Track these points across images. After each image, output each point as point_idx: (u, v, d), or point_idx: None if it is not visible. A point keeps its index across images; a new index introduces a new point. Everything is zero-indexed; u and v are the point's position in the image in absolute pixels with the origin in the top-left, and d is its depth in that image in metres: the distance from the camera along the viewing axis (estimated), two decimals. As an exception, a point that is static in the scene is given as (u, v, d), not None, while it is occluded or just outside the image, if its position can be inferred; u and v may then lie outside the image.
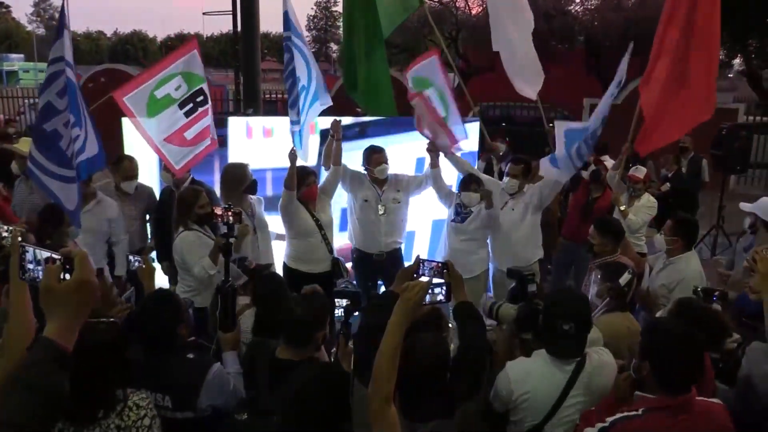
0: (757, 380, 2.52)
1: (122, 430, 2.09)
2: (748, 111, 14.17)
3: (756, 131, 13.01)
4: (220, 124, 4.99)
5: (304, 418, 2.09)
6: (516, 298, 2.96)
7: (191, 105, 4.55)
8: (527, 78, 5.42)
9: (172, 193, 4.67)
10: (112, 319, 2.39)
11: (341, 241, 5.16)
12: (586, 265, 4.30)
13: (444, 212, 5.04)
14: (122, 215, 4.73)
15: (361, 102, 5.55)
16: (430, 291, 2.32)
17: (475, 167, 5.42)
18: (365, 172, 4.89)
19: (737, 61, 20.32)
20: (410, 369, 2.07)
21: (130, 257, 3.61)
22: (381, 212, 4.84)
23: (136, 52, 58.50)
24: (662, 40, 4.49)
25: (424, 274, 2.71)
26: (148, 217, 5.13)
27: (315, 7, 59.41)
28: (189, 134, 4.60)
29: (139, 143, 4.69)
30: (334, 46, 57.81)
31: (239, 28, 8.64)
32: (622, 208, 5.12)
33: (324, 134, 4.91)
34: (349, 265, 4.99)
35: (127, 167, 4.80)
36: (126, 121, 4.83)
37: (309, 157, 4.71)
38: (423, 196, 5.11)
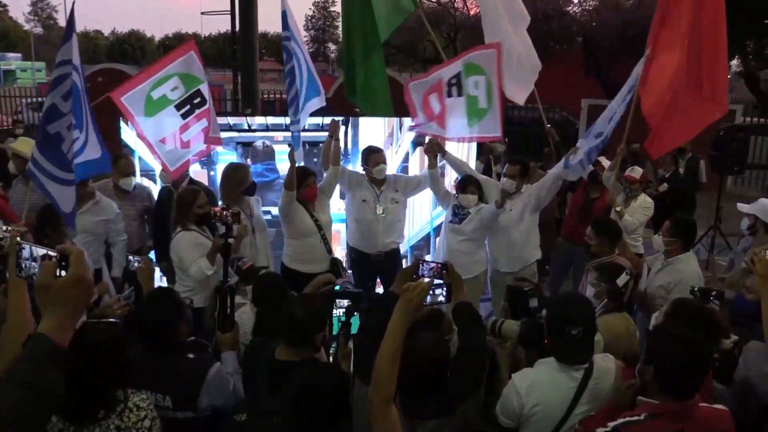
0: (755, 380, 2.53)
1: (122, 431, 2.09)
2: (745, 112, 14.19)
3: (753, 132, 13.03)
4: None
5: (304, 418, 2.09)
6: (518, 313, 2.91)
7: (188, 107, 4.55)
8: (519, 81, 5.36)
9: (170, 193, 4.67)
10: (112, 320, 2.40)
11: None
12: (585, 265, 4.31)
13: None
14: (120, 216, 4.73)
15: (359, 104, 5.59)
16: (431, 292, 2.33)
17: (474, 168, 5.43)
18: (363, 173, 4.90)
19: (735, 62, 20.37)
20: (411, 368, 2.07)
21: (130, 257, 3.62)
22: (380, 212, 4.84)
23: (134, 52, 58.45)
24: (656, 41, 4.50)
25: (423, 275, 2.72)
26: (146, 217, 5.13)
27: (313, 7, 59.45)
28: (185, 136, 4.60)
29: (142, 145, 4.71)
30: (332, 46, 57.85)
31: (237, 28, 8.63)
32: (618, 208, 5.12)
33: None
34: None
35: (124, 164, 4.85)
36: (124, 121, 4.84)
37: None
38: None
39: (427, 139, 5.00)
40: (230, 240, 3.44)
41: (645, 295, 3.96)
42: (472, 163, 5.52)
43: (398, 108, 5.46)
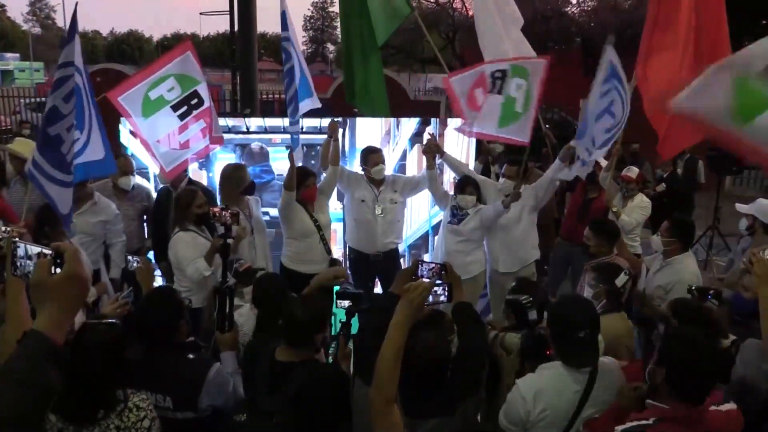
0: (753, 378, 2.54)
1: (121, 431, 2.10)
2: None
3: (751, 132, 13.05)
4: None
5: (304, 418, 2.10)
6: (518, 326, 2.90)
7: (185, 108, 4.55)
8: None
9: (169, 193, 4.67)
10: (112, 320, 2.40)
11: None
12: (583, 265, 4.31)
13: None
14: (119, 217, 4.72)
15: (358, 106, 5.63)
16: (432, 291, 2.33)
17: (472, 168, 5.43)
18: (362, 173, 4.90)
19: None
20: (411, 368, 2.07)
21: (129, 257, 3.61)
22: (379, 213, 4.84)
23: (132, 52, 58.40)
24: (650, 42, 4.51)
25: (422, 276, 2.72)
26: (145, 217, 5.13)
27: (312, 8, 59.42)
28: (182, 138, 4.60)
29: (136, 143, 4.71)
30: (330, 47, 57.83)
31: (236, 29, 8.62)
32: (615, 209, 5.13)
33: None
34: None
35: (122, 163, 4.85)
36: (123, 121, 4.84)
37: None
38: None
39: (425, 139, 5.00)
40: (229, 240, 3.44)
41: (644, 296, 3.97)
42: (471, 164, 5.53)
43: (395, 108, 5.48)
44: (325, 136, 4.75)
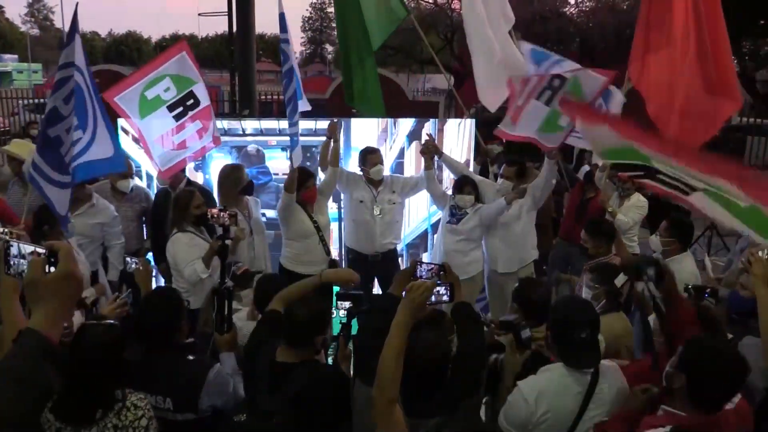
0: (751, 377, 2.53)
1: (119, 429, 2.10)
2: (741, 113, 14.21)
3: (750, 133, 13.08)
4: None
5: (304, 418, 2.10)
6: (516, 345, 2.86)
7: (181, 109, 4.56)
8: (495, 87, 5.30)
9: (168, 195, 4.66)
10: (110, 322, 2.40)
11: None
12: (582, 265, 4.31)
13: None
14: (117, 220, 4.71)
15: (357, 107, 5.65)
16: (435, 292, 2.33)
17: (471, 169, 5.43)
18: (361, 173, 4.90)
19: (731, 62, 20.41)
20: (412, 367, 2.07)
21: (127, 259, 3.60)
22: (377, 213, 4.85)
23: (131, 53, 58.35)
24: (645, 41, 4.51)
25: (421, 276, 2.72)
26: (144, 218, 5.12)
27: (310, 9, 59.41)
28: (177, 138, 4.61)
29: (128, 141, 4.71)
30: (329, 48, 57.78)
31: (234, 30, 8.62)
32: (610, 209, 5.14)
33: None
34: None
35: None
36: (122, 122, 4.83)
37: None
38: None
39: (423, 137, 5.01)
40: (227, 242, 3.44)
41: (643, 296, 3.96)
42: (470, 165, 5.53)
43: (394, 109, 5.49)
44: (321, 138, 4.75)
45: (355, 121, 5.52)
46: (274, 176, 5.30)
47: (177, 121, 4.55)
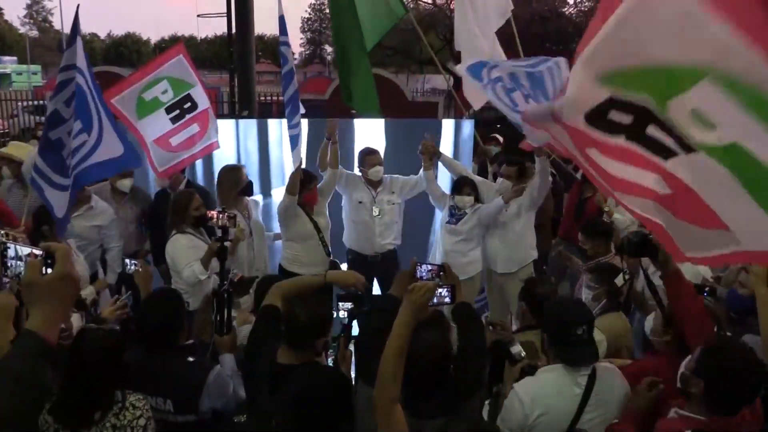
0: None
1: (117, 429, 2.12)
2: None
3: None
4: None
5: (303, 418, 2.10)
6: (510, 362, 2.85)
7: (178, 111, 4.56)
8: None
9: (167, 196, 4.67)
10: (111, 326, 2.41)
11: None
12: (581, 265, 4.31)
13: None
14: (116, 222, 4.71)
15: (356, 107, 5.65)
16: (437, 293, 2.34)
17: (470, 169, 5.44)
18: (360, 174, 4.91)
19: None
20: (413, 366, 2.08)
21: (126, 260, 3.61)
22: (376, 214, 4.85)
23: (130, 55, 58.37)
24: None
25: (421, 277, 2.72)
26: (143, 220, 5.13)
27: (309, 10, 59.43)
28: (174, 140, 4.61)
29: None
30: (328, 48, 57.81)
31: (233, 31, 8.62)
32: (606, 208, 5.15)
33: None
34: (344, 266, 5.00)
35: None
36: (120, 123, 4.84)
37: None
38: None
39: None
40: (226, 243, 3.44)
41: (643, 296, 3.97)
42: (469, 165, 5.54)
43: (393, 110, 5.49)
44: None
45: (355, 122, 5.53)
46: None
47: (174, 123, 4.55)
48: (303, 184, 4.44)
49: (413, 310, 2.07)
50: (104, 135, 3.81)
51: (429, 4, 20.06)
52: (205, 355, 2.90)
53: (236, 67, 8.84)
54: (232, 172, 4.55)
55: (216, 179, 4.69)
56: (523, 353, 2.72)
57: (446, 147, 5.53)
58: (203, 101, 4.65)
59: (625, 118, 1.84)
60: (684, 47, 1.50)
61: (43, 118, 13.94)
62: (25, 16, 61.55)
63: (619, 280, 3.34)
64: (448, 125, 5.63)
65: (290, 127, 4.44)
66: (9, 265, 1.41)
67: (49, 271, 1.31)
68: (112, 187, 4.90)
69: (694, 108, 1.57)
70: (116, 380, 2.21)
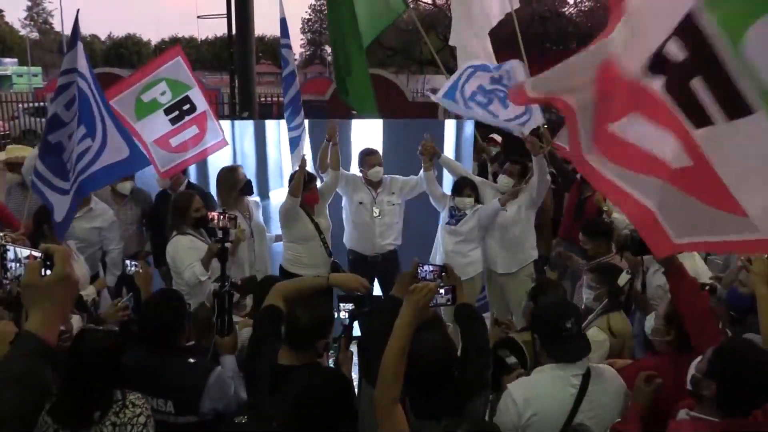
0: None
1: (118, 427, 2.13)
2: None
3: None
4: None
5: (304, 420, 2.10)
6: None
7: (177, 113, 4.56)
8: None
9: (167, 197, 4.67)
10: (110, 328, 2.42)
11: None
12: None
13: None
14: (116, 225, 4.71)
15: (352, 103, 5.63)
16: (437, 293, 2.34)
17: (469, 169, 5.44)
18: (360, 175, 4.91)
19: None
20: (417, 367, 2.08)
21: (127, 262, 3.61)
22: (376, 214, 4.85)
23: (130, 56, 58.37)
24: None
25: (424, 278, 2.72)
26: (144, 221, 5.13)
27: (309, 10, 59.41)
28: (174, 141, 4.61)
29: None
30: (329, 49, 57.80)
31: (234, 32, 8.62)
32: (605, 208, 5.15)
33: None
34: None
35: None
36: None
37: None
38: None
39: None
40: (227, 244, 3.44)
41: (644, 296, 3.97)
42: (469, 165, 5.54)
43: (394, 110, 5.48)
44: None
45: (355, 123, 5.53)
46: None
47: (174, 124, 4.56)
48: (304, 184, 4.45)
49: (414, 310, 2.07)
50: (108, 139, 3.80)
51: (429, 4, 20.07)
52: (206, 357, 2.90)
53: (236, 69, 8.83)
54: (230, 173, 4.55)
55: (209, 182, 4.70)
56: (518, 362, 2.73)
57: (448, 147, 5.53)
58: (201, 104, 4.66)
59: (680, 54, 1.68)
60: None
61: (27, 123, 13.99)
62: (25, 18, 61.52)
63: (622, 279, 3.33)
64: (449, 126, 5.62)
65: (290, 129, 4.44)
66: (9, 267, 1.41)
67: (49, 272, 1.32)
68: (112, 189, 4.90)
69: None
70: (115, 380, 2.22)
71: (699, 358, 2.16)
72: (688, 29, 1.65)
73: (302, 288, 2.70)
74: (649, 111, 1.85)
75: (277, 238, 4.95)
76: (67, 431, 2.10)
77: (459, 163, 5.24)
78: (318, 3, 54.02)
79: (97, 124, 3.74)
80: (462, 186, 4.72)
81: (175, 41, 55.08)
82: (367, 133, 5.45)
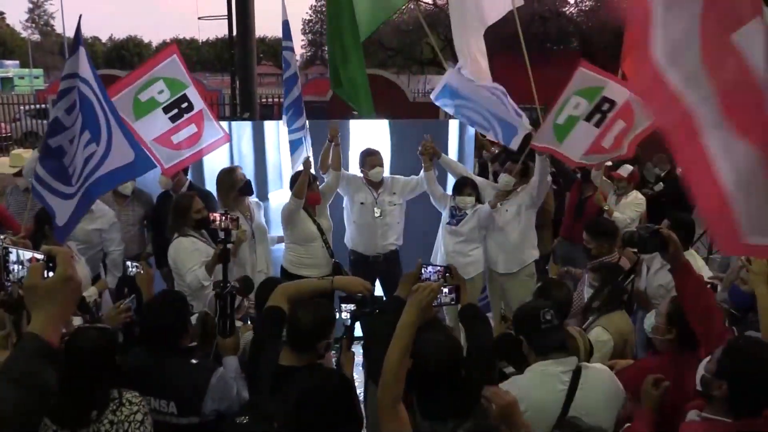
0: None
1: (115, 424, 2.14)
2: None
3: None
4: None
5: (305, 421, 2.10)
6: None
7: (176, 111, 4.56)
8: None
9: (169, 199, 4.67)
10: (102, 326, 2.42)
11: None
12: (584, 264, 4.31)
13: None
14: (116, 226, 4.71)
15: (343, 96, 5.58)
16: (441, 293, 2.34)
17: (470, 169, 5.44)
18: (361, 175, 4.91)
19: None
20: (423, 367, 2.08)
21: (128, 263, 3.61)
22: (378, 215, 4.86)
23: (131, 58, 58.41)
24: (627, 39, 4.48)
25: (428, 278, 2.73)
26: (145, 222, 5.13)
27: (310, 11, 59.41)
28: (175, 138, 4.60)
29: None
30: (329, 49, 57.72)
31: (234, 33, 8.63)
32: (606, 207, 5.15)
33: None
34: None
35: None
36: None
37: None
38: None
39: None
40: (228, 245, 3.44)
41: (646, 295, 3.97)
42: (469, 165, 5.54)
43: (394, 110, 5.47)
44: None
45: (355, 123, 5.52)
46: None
47: (174, 122, 4.56)
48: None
49: (418, 309, 2.08)
50: (113, 143, 3.80)
51: (429, 4, 20.07)
52: (209, 358, 2.91)
53: (237, 70, 8.85)
54: (228, 173, 4.55)
55: (205, 184, 4.69)
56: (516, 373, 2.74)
57: (452, 147, 5.53)
58: (198, 102, 4.66)
59: None
60: None
61: (28, 125, 13.98)
62: (27, 20, 61.53)
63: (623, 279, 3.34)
64: (452, 126, 5.62)
65: (291, 132, 4.44)
66: (11, 269, 1.42)
67: (51, 274, 1.33)
68: (114, 190, 4.90)
69: None
70: (111, 378, 2.23)
71: (708, 358, 2.14)
72: None
73: (306, 290, 2.70)
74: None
75: (279, 240, 4.95)
76: (67, 431, 2.11)
77: (459, 162, 5.24)
78: (318, 3, 54.06)
79: (101, 128, 3.74)
80: (462, 185, 4.73)
81: (176, 43, 55.10)
82: (372, 134, 5.44)
